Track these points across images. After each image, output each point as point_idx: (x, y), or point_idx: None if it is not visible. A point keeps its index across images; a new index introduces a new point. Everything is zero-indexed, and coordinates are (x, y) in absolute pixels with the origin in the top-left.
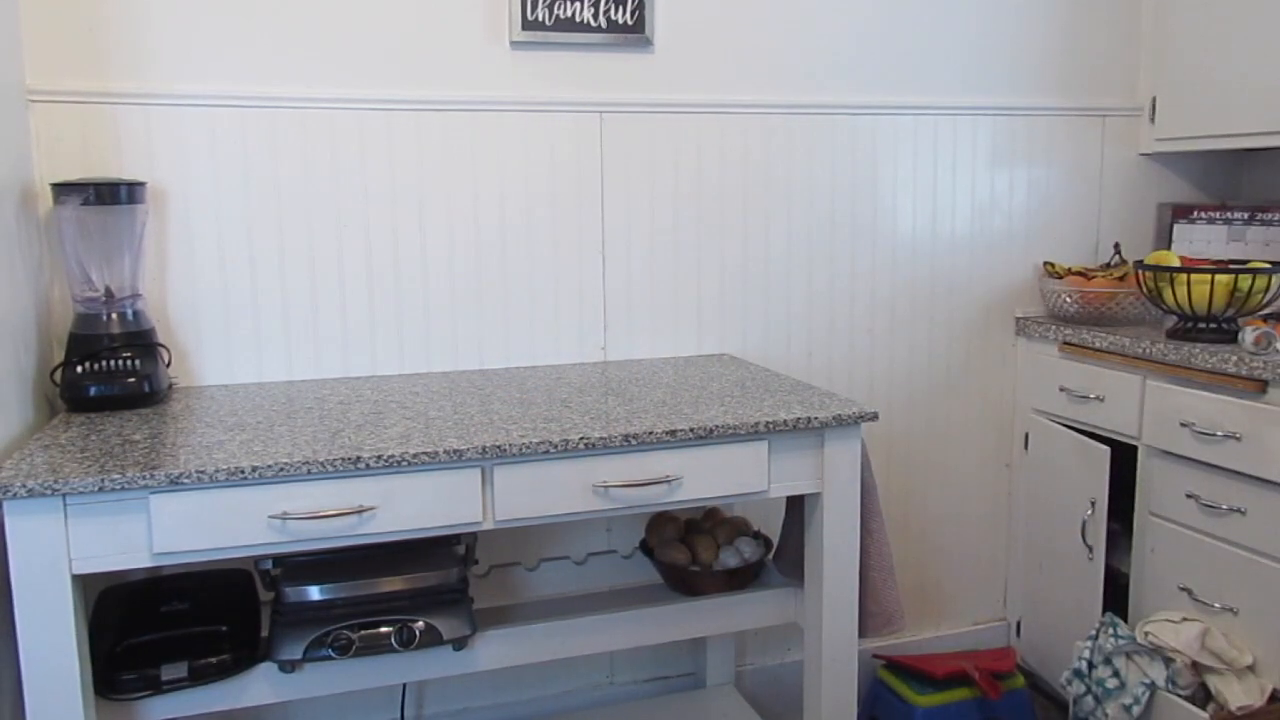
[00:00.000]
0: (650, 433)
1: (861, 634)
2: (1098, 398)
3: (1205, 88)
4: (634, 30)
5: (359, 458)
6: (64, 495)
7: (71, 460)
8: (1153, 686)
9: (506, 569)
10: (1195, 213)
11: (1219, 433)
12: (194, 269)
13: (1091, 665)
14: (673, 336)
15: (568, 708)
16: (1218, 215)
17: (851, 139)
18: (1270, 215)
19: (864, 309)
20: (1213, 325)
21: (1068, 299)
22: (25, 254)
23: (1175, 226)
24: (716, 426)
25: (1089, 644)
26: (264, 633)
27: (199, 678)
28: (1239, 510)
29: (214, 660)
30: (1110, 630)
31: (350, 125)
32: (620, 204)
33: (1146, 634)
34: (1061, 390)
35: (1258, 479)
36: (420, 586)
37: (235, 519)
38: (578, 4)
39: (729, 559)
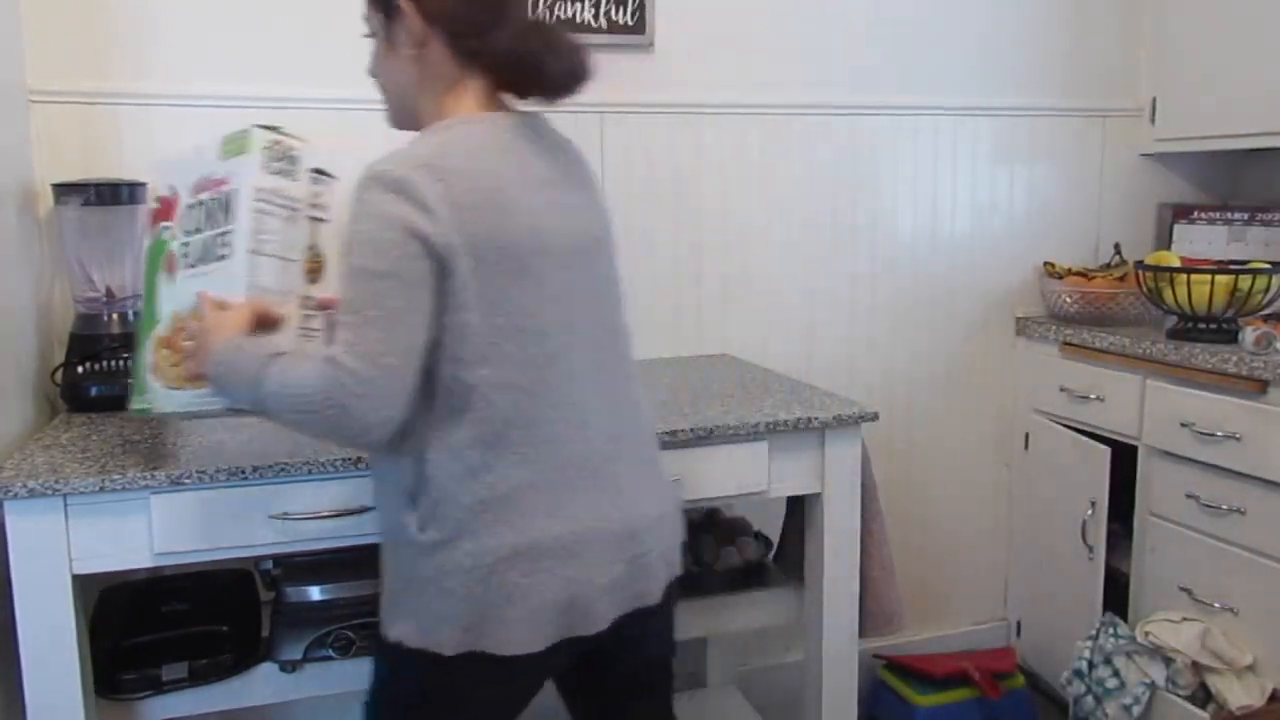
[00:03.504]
0: None
1: (861, 634)
2: (1098, 398)
3: (1205, 88)
4: (634, 30)
5: (359, 458)
6: (65, 495)
7: (72, 460)
8: (1153, 686)
9: None
10: (1195, 213)
11: (1219, 433)
12: None
13: (1091, 665)
14: (673, 336)
15: None
16: (1218, 215)
17: (851, 139)
18: (1270, 215)
19: (864, 309)
20: (1213, 325)
21: (1068, 299)
22: (26, 254)
23: (1175, 227)
24: (717, 426)
25: (1089, 644)
26: (264, 633)
27: (199, 678)
28: (1239, 510)
29: (214, 660)
30: (1110, 630)
31: (352, 126)
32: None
33: (1146, 634)
34: (1062, 390)
35: (1258, 479)
36: None
37: (236, 519)
38: (578, 4)
39: (729, 559)
